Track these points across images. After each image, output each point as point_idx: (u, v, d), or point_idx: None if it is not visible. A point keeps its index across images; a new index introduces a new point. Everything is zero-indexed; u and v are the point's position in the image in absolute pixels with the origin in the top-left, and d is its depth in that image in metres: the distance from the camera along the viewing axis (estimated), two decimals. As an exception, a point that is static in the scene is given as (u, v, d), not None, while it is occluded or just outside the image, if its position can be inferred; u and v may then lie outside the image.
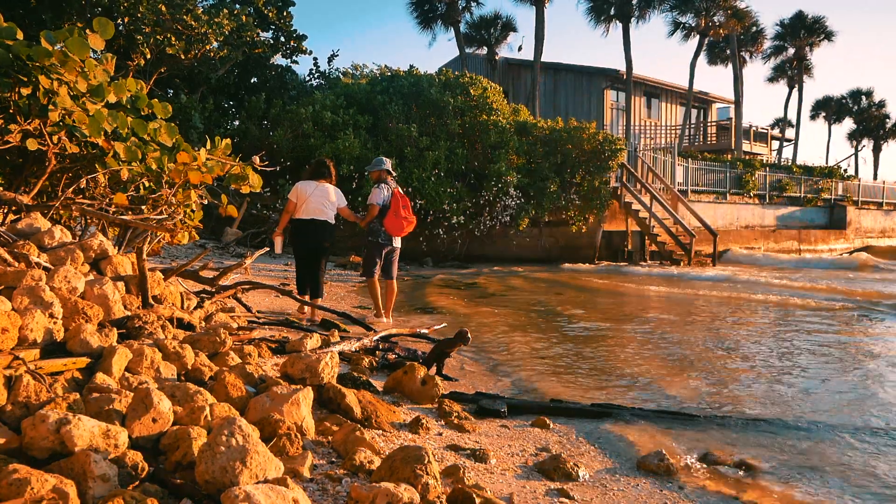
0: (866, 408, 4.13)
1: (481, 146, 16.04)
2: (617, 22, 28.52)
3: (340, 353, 4.24)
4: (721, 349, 6.07)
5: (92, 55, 4.19)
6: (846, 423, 3.77)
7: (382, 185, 6.62)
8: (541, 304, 9.12)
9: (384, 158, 6.77)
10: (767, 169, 25.28)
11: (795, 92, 38.45)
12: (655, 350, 5.92)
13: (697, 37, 29.41)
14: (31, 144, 4.02)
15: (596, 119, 22.61)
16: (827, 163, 40.69)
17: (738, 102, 29.94)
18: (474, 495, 2.17)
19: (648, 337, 6.59)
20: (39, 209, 4.26)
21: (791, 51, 37.56)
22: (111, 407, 2.27)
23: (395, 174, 6.72)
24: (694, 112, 31.39)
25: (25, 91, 3.93)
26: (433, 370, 4.30)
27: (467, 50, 29.43)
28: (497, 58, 30.31)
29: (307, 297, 6.56)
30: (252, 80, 18.59)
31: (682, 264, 16.65)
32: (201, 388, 2.66)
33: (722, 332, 7.05)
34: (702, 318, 8.15)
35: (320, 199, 6.47)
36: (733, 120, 29.99)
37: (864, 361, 5.63)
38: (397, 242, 6.75)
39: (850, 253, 23.80)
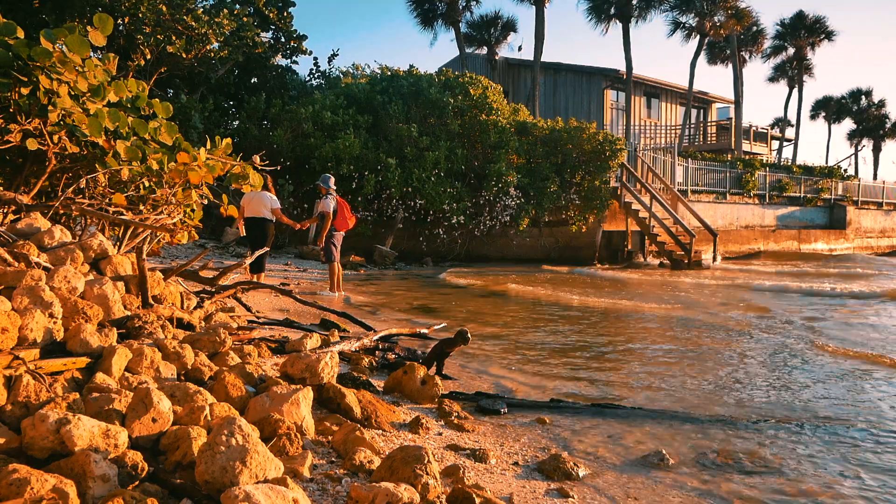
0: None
1: (481, 146, 16.05)
2: (617, 22, 28.48)
3: (340, 353, 4.25)
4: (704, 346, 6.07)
5: (94, 54, 4.20)
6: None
7: (329, 196, 8.60)
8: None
9: (329, 176, 8.69)
10: (767, 169, 25.25)
11: (795, 92, 38.43)
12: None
13: (697, 37, 29.36)
14: (31, 144, 4.02)
15: (596, 119, 22.63)
16: (827, 163, 40.66)
17: (738, 102, 29.92)
18: (474, 495, 2.17)
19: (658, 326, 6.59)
20: (39, 209, 4.26)
21: (791, 50, 37.51)
22: (111, 407, 2.27)
23: (334, 189, 8.76)
24: (694, 112, 31.37)
25: (25, 91, 3.93)
26: (433, 370, 4.30)
27: (467, 50, 29.41)
28: (497, 58, 30.28)
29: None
30: (252, 81, 18.59)
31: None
32: (201, 388, 2.66)
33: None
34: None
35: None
36: (733, 120, 29.97)
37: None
38: (341, 236, 8.91)
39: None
